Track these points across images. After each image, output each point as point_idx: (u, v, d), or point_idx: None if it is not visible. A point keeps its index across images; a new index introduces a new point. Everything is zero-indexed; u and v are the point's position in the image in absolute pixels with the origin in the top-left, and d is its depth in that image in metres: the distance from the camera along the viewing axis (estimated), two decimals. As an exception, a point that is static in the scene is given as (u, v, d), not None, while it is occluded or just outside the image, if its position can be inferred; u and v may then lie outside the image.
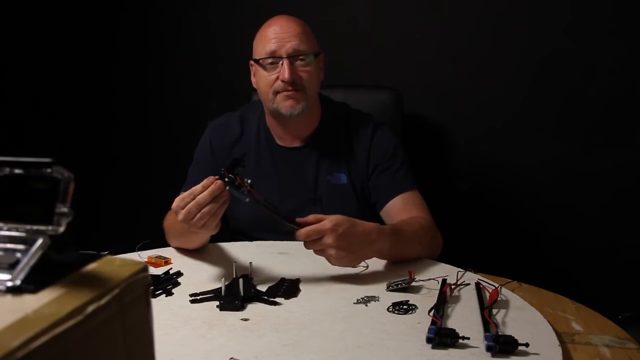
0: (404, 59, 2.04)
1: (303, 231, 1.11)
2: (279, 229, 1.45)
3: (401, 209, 1.39)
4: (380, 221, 1.41)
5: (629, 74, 1.88)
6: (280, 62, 1.35)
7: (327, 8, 2.08)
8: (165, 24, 2.28)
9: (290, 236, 1.42)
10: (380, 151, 1.45)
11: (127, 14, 2.30)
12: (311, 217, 1.13)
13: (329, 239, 1.11)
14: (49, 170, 0.45)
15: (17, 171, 0.47)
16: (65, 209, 0.45)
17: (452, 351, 0.88)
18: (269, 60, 1.36)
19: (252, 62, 1.43)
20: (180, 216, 1.09)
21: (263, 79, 1.38)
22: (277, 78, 1.35)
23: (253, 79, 1.45)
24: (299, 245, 1.36)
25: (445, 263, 1.25)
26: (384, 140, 1.46)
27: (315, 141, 1.47)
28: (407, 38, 2.03)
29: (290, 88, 1.35)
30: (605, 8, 1.86)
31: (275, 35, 1.35)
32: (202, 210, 1.07)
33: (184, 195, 1.09)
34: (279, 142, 1.48)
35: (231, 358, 0.86)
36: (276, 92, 1.37)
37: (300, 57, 1.36)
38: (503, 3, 1.94)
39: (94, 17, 2.32)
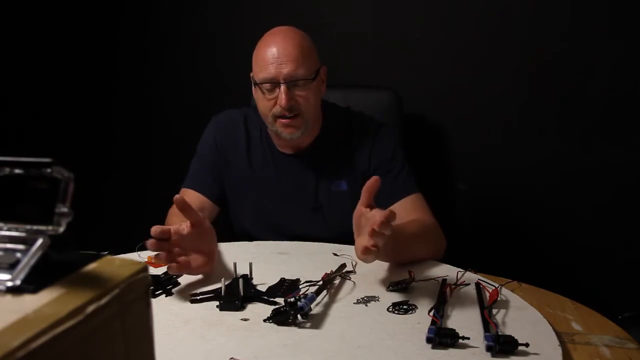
0: (404, 59, 2.04)
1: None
2: (284, 232, 1.45)
3: (402, 213, 1.36)
4: None
5: (629, 74, 1.88)
6: (278, 87, 1.33)
7: (327, 8, 2.08)
8: (165, 24, 2.28)
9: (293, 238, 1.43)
10: (379, 156, 1.44)
11: (126, 15, 2.30)
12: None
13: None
14: (49, 170, 0.45)
15: (17, 171, 0.47)
16: (65, 209, 0.45)
17: (452, 351, 0.88)
18: (267, 86, 1.34)
19: (252, 75, 1.40)
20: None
21: (262, 101, 1.38)
22: (276, 102, 1.35)
23: (254, 93, 1.43)
24: (299, 245, 1.37)
25: (445, 263, 1.25)
26: (383, 145, 1.45)
27: (316, 149, 1.46)
28: (407, 38, 2.03)
29: (287, 114, 1.35)
30: (605, 8, 1.86)
31: (274, 60, 1.32)
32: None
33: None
34: (281, 150, 1.48)
35: (231, 358, 0.87)
36: (275, 117, 1.37)
37: (298, 83, 1.34)
38: (503, 3, 1.94)
39: (94, 18, 2.32)
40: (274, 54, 1.33)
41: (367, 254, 1.04)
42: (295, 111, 1.35)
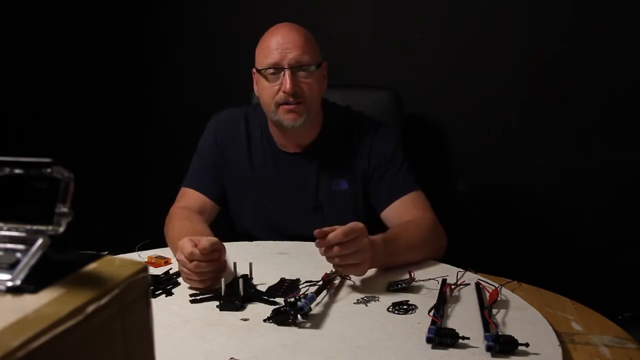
0: (404, 59, 2.04)
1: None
2: (284, 232, 1.45)
3: (402, 211, 1.38)
4: (381, 224, 1.41)
5: (629, 74, 1.88)
6: (282, 73, 1.33)
7: (327, 8, 2.08)
8: (165, 24, 2.28)
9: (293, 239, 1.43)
10: (379, 155, 1.44)
11: (126, 15, 2.30)
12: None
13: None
14: (49, 170, 0.45)
15: (17, 171, 0.47)
16: (65, 209, 0.45)
17: (452, 351, 0.88)
18: (271, 71, 1.34)
19: (254, 70, 1.41)
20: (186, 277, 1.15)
21: (265, 90, 1.37)
22: (279, 89, 1.34)
23: (255, 87, 1.43)
24: (299, 245, 1.37)
25: (445, 263, 1.25)
26: (383, 144, 1.45)
27: (317, 148, 1.46)
28: (407, 38, 2.03)
29: (291, 100, 1.34)
30: (605, 8, 1.86)
31: (278, 46, 1.33)
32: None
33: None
34: (281, 148, 1.47)
35: (231, 358, 0.87)
36: (278, 104, 1.36)
37: (303, 68, 1.34)
38: (503, 3, 1.94)
39: (94, 18, 2.32)
40: (278, 41, 1.34)
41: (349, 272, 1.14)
42: (299, 98, 1.35)
